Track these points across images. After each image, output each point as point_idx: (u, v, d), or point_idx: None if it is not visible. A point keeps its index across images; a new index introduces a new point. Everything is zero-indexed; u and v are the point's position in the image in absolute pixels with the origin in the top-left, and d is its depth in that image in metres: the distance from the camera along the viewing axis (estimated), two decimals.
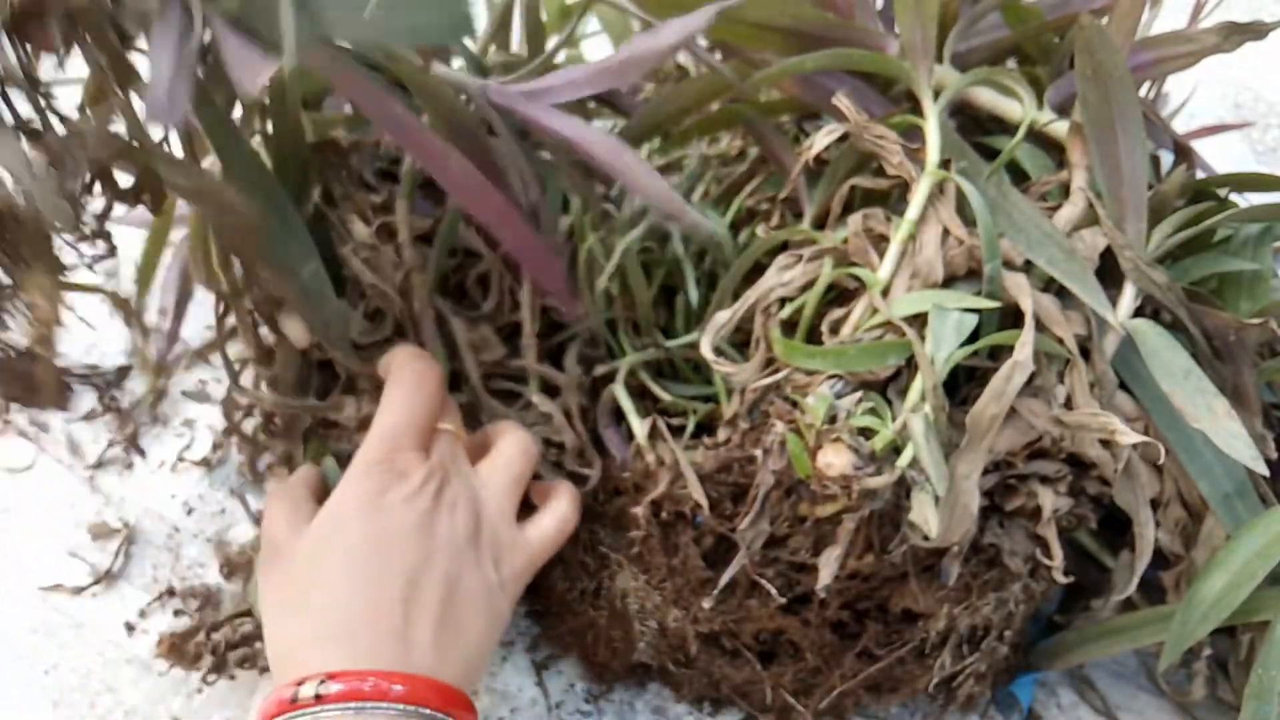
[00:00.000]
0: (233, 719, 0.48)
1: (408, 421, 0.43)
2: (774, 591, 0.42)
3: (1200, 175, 0.51)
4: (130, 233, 0.54)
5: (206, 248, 0.47)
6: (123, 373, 0.60)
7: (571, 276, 0.49)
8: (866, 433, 0.38)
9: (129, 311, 0.51)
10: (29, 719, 0.48)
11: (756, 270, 0.47)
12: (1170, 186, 0.45)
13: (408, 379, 0.44)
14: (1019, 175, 0.47)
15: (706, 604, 0.43)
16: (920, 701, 0.49)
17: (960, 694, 0.46)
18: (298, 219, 0.44)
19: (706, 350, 0.44)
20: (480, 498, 0.43)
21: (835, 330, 0.43)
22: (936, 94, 0.46)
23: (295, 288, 0.44)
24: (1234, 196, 0.48)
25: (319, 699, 0.36)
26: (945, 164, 0.43)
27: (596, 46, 0.67)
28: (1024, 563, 0.43)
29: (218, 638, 0.48)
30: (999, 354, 0.40)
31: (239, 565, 0.52)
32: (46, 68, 0.34)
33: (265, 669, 0.47)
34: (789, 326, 0.45)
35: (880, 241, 0.43)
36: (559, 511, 0.45)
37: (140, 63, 0.35)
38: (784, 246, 0.47)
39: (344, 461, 0.44)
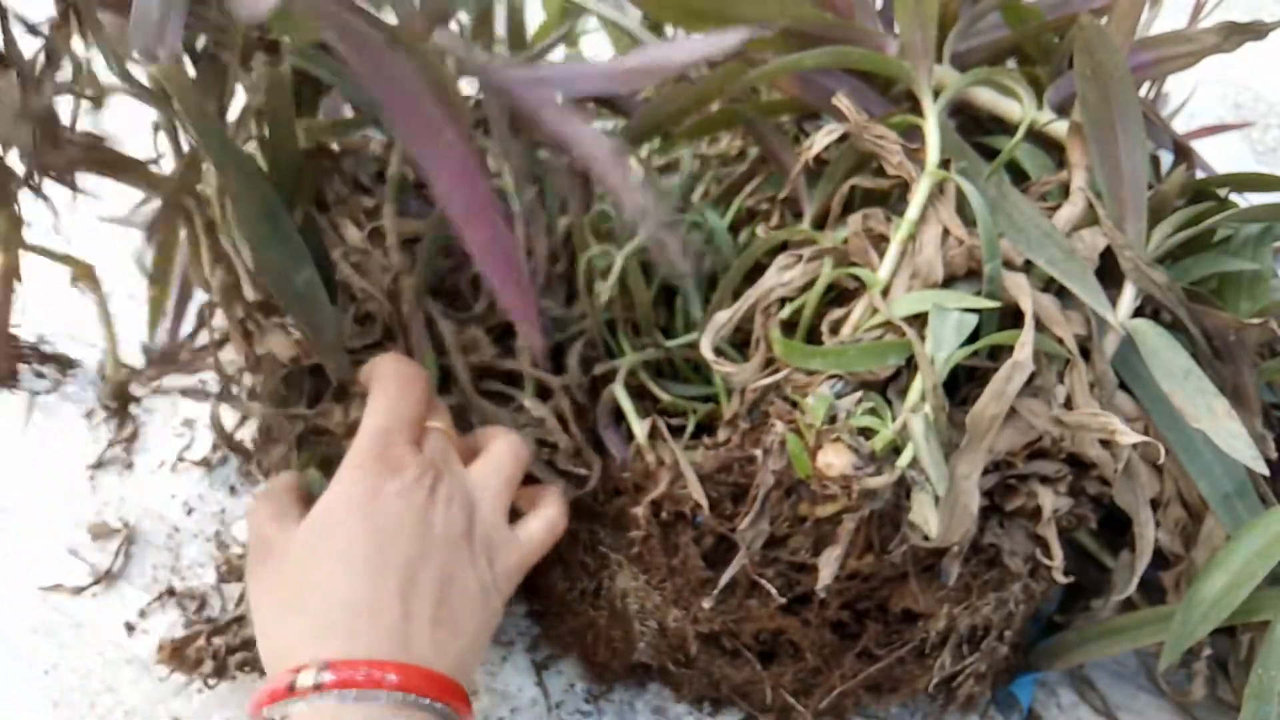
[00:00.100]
0: (233, 719, 0.48)
1: (396, 422, 0.43)
2: (774, 591, 0.42)
3: (1200, 175, 0.51)
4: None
5: (198, 248, 0.47)
6: (70, 361, 0.60)
7: (570, 279, 0.49)
8: (866, 433, 0.38)
9: (91, 281, 0.50)
10: (29, 719, 0.48)
11: (756, 270, 0.47)
12: (1170, 186, 0.45)
13: (392, 383, 0.44)
14: (1019, 175, 0.47)
15: (706, 604, 0.43)
16: (920, 701, 0.49)
17: (960, 694, 0.46)
18: (291, 225, 0.44)
19: (706, 350, 0.44)
20: (473, 496, 0.43)
21: (835, 330, 0.43)
22: (936, 94, 0.46)
23: (289, 294, 0.44)
24: (1234, 196, 0.48)
25: (318, 688, 0.36)
26: (945, 164, 0.43)
27: (595, 45, 0.67)
28: (1024, 563, 0.43)
29: (218, 642, 0.47)
30: (999, 354, 0.40)
31: (239, 566, 0.52)
32: None
33: (265, 671, 0.47)
34: (789, 326, 0.45)
35: (880, 241, 0.43)
36: (547, 516, 0.45)
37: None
38: (784, 246, 0.47)
39: (331, 467, 0.44)
